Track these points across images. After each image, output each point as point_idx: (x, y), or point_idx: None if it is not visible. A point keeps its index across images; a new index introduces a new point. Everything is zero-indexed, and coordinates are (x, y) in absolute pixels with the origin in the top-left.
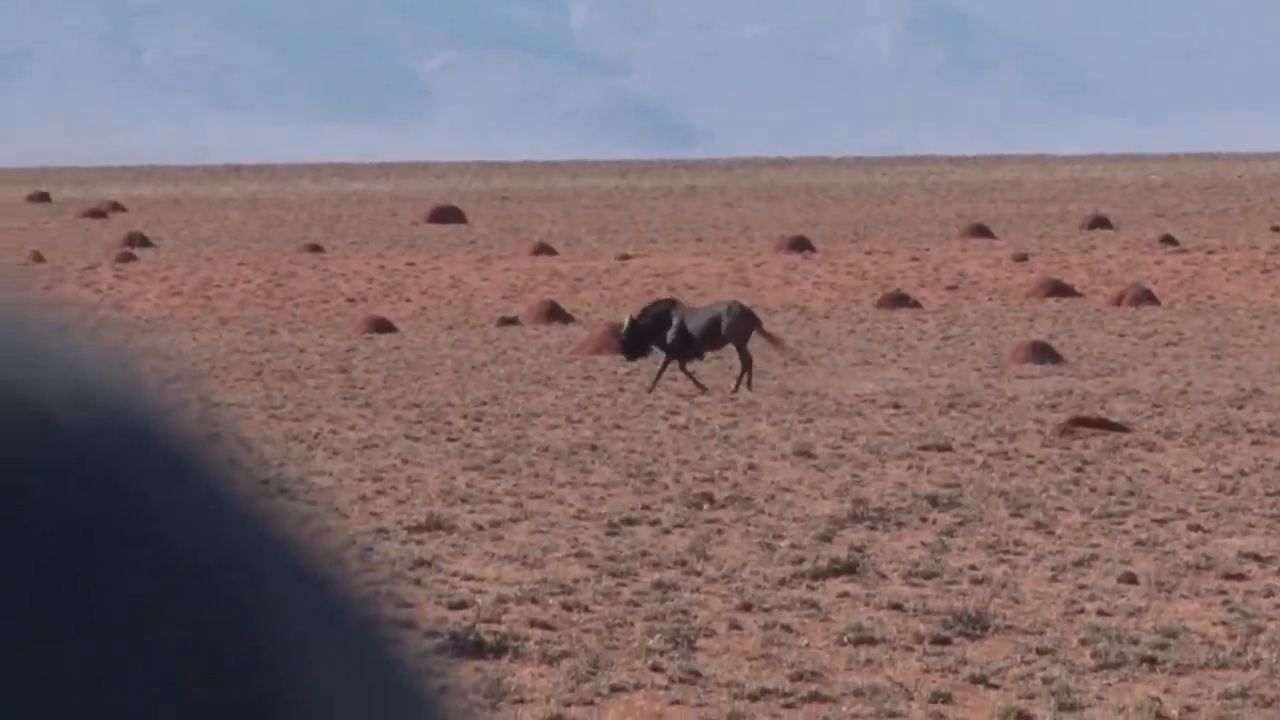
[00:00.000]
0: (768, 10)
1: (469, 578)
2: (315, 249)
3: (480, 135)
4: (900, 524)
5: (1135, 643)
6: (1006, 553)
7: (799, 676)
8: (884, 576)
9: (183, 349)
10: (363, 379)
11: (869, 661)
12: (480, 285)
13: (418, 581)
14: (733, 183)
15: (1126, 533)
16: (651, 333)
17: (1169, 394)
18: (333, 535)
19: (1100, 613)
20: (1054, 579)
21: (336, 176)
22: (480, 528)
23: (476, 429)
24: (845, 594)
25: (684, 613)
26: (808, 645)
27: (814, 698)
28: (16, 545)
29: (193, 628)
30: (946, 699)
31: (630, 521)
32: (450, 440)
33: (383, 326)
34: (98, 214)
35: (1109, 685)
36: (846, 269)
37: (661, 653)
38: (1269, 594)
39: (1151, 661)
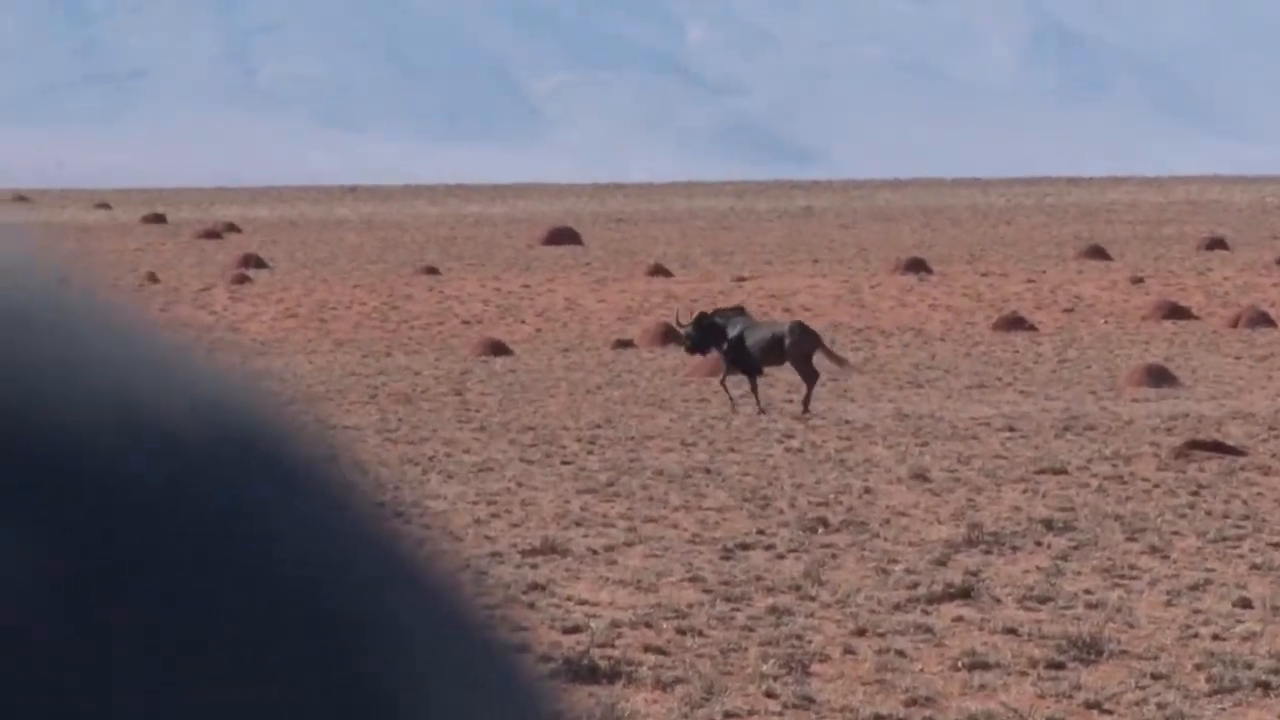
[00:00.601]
0: (885, 30)
1: (583, 602)
2: (431, 271)
3: (596, 156)
4: (1015, 548)
5: (1250, 667)
6: (1121, 577)
7: (913, 702)
8: (999, 601)
9: (297, 371)
10: (478, 402)
11: (983, 687)
12: (595, 307)
13: (532, 605)
14: (848, 204)
15: (1242, 556)
16: (716, 334)
17: None
18: (450, 558)
19: (1215, 637)
20: (1169, 603)
21: (452, 198)
22: (594, 551)
23: (591, 452)
24: (960, 618)
25: (798, 638)
26: (922, 670)
27: None
28: (138, 557)
29: (313, 649)
30: None
31: (745, 546)
32: (565, 463)
33: (498, 349)
34: (213, 235)
35: (1223, 710)
36: (962, 291)
37: (775, 678)
38: None
39: (1266, 686)
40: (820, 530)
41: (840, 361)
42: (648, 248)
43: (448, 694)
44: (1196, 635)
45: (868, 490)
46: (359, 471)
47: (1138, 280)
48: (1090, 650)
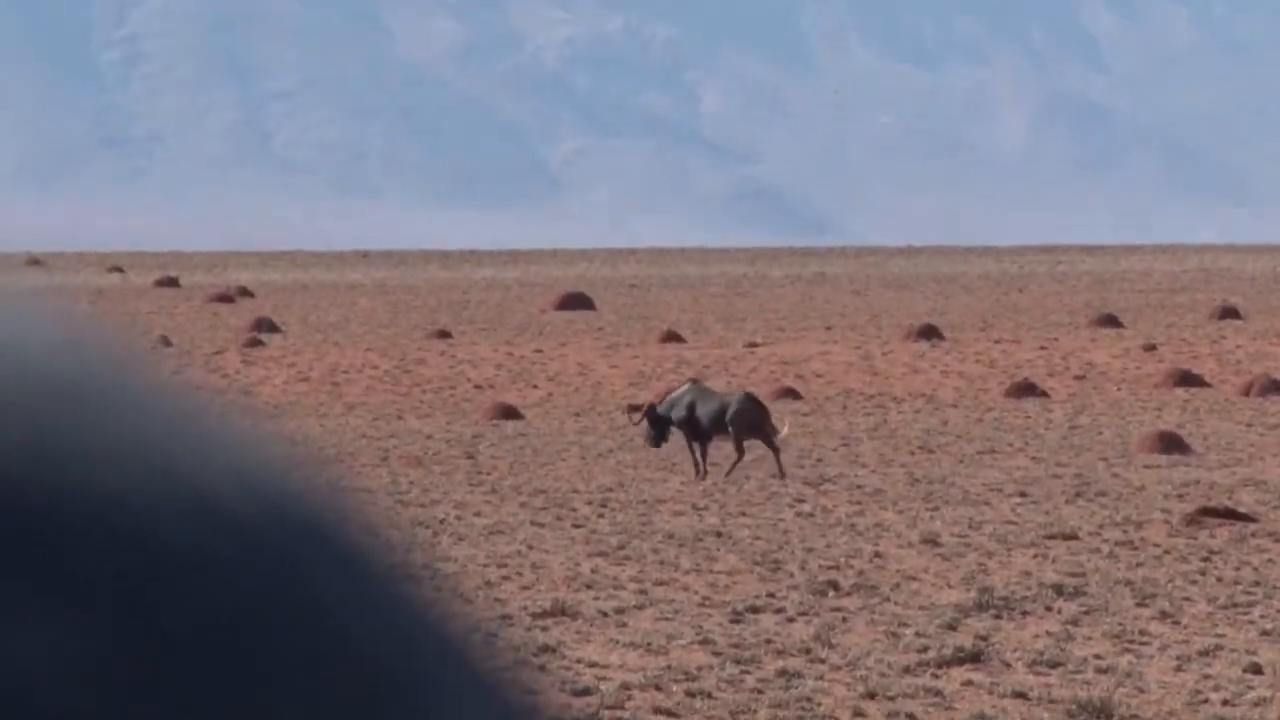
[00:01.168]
0: (898, 99)
1: (593, 664)
2: (443, 335)
3: (609, 221)
4: (1025, 613)
5: None
6: (1132, 642)
7: None
8: (1009, 665)
9: (310, 435)
10: (489, 465)
11: None
12: (608, 372)
13: (542, 668)
14: (861, 270)
15: (1252, 623)
16: (666, 421)
17: None
18: (477, 623)
19: (1225, 703)
20: (1179, 669)
21: (465, 262)
22: (605, 614)
23: (602, 515)
24: (970, 682)
25: (808, 700)
26: None
27: None
28: (194, 634)
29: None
30: None
31: (755, 609)
32: (576, 526)
33: (509, 413)
34: (226, 299)
35: None
36: (975, 357)
37: None
38: None
39: None
40: (831, 594)
41: (776, 447)
42: (660, 313)
43: None
44: (1207, 700)
45: (878, 554)
46: (390, 539)
47: (1150, 348)
48: (1101, 715)
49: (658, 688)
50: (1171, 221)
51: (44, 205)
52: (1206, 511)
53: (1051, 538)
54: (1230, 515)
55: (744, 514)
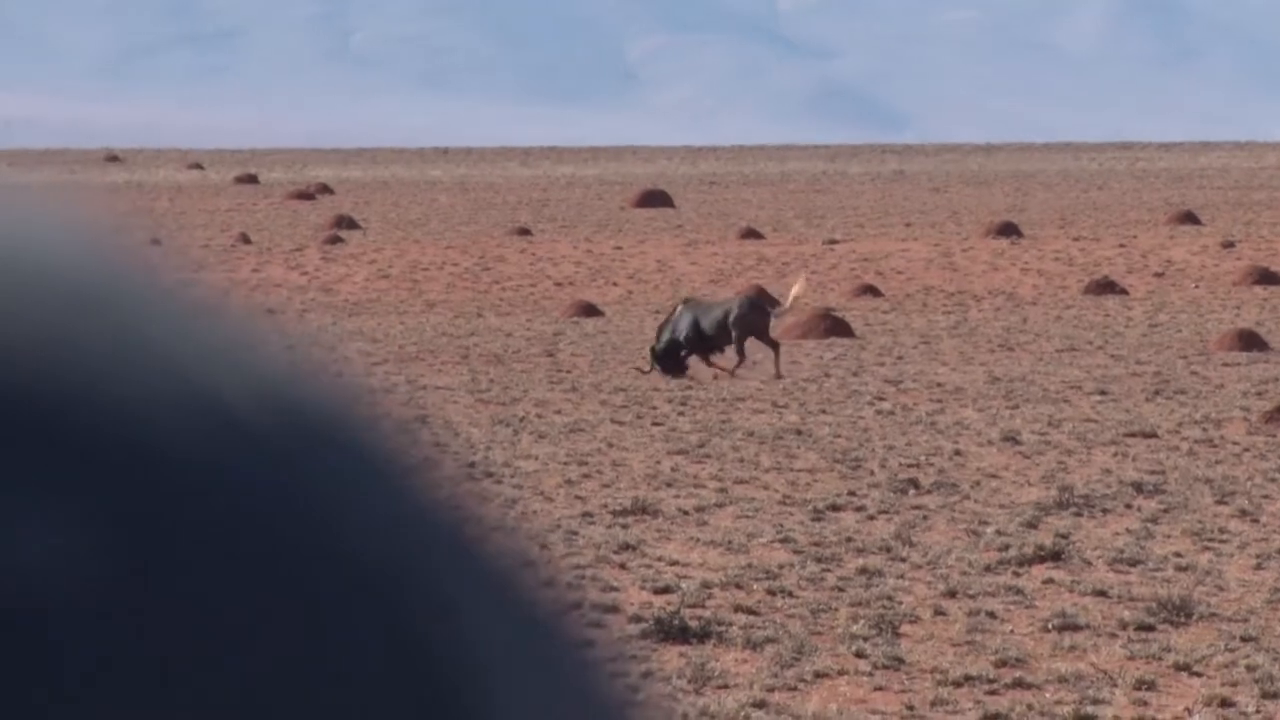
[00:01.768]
0: None
1: (674, 563)
2: (523, 232)
3: (688, 119)
4: (1105, 510)
5: None
6: (1211, 540)
7: (1003, 663)
8: (1089, 563)
9: (389, 332)
10: (569, 363)
11: (1073, 648)
12: (687, 269)
13: (622, 566)
14: (940, 168)
15: None
16: (673, 351)
17: None
18: (522, 538)
19: None
20: (1259, 567)
21: (545, 160)
22: (685, 512)
23: (682, 413)
24: (1050, 580)
25: (888, 599)
26: (1012, 632)
27: (1018, 684)
28: (203, 549)
29: (376, 634)
30: (1150, 686)
31: (835, 507)
32: (655, 425)
33: (589, 310)
34: (305, 196)
35: None
36: (1053, 255)
37: (865, 639)
38: None
39: None
40: (911, 492)
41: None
42: (739, 210)
43: (514, 681)
44: None
45: (958, 453)
46: (436, 449)
47: (1228, 245)
48: (1180, 613)
49: (738, 586)
50: (1249, 117)
51: (124, 101)
52: None
53: (1131, 435)
54: None
55: (824, 412)
